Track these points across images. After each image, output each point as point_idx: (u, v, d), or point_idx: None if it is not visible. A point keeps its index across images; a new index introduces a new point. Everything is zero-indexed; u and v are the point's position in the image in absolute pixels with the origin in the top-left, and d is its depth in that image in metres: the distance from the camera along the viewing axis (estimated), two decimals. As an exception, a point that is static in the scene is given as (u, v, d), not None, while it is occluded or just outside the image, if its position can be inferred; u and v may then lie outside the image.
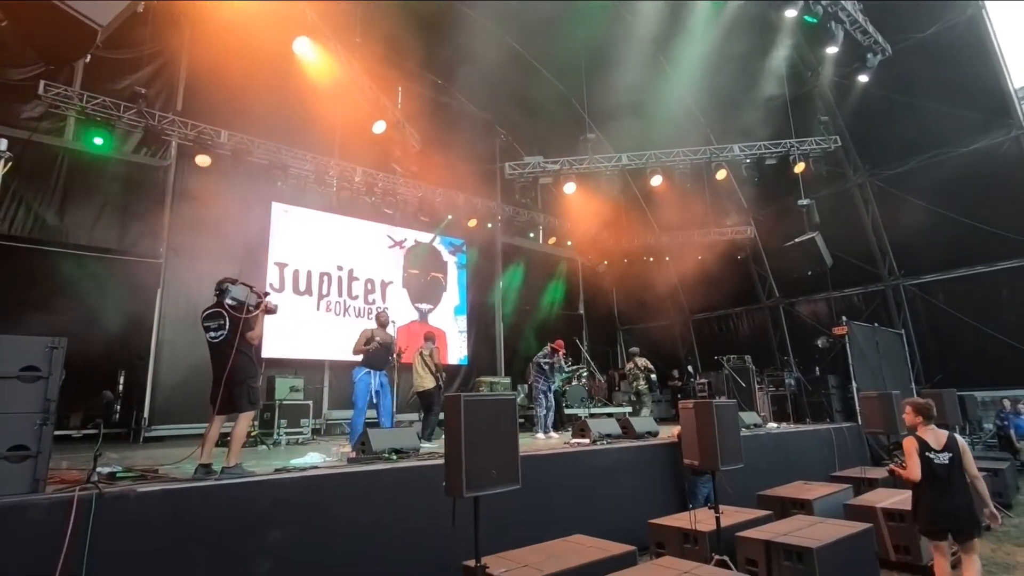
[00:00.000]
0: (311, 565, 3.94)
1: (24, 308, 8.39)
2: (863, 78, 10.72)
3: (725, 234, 14.34)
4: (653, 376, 11.01)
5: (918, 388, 11.43)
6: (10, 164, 3.44)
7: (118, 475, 3.95)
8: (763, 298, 14.95)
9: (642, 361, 11.00)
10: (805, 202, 11.47)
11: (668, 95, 12.72)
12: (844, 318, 10.86)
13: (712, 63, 11.57)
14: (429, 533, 4.31)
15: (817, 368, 11.85)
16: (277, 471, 4.35)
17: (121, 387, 9.83)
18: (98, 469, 3.81)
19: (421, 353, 7.75)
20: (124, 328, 9.15)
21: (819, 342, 12.16)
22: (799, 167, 11.31)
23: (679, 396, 14.08)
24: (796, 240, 11.57)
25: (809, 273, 12.22)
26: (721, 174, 11.86)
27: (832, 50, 10.19)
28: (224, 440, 4.59)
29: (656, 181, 11.95)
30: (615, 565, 3.94)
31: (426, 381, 7.61)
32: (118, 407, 9.64)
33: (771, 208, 13.76)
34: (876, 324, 11.72)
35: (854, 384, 10.08)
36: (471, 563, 3.59)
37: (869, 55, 10.32)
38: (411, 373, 7.95)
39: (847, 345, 10.46)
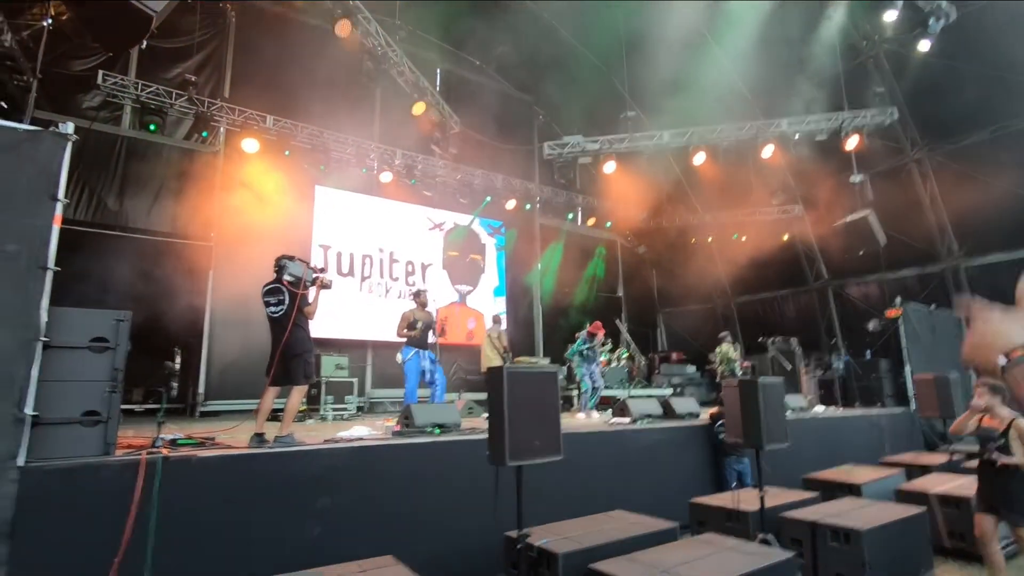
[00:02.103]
0: (359, 531, 4.09)
1: (86, 290, 8.87)
2: (924, 46, 10.11)
3: (771, 214, 13.89)
4: (735, 365, 10.24)
5: (977, 375, 10.87)
6: (73, 146, 3.61)
7: (179, 442, 4.18)
8: (811, 280, 14.45)
9: (723, 349, 10.44)
10: (858, 178, 10.97)
11: (712, 69, 12.30)
12: (899, 299, 10.39)
13: (759, 34, 11.11)
14: (472, 505, 4.40)
15: (868, 352, 11.42)
16: (326, 441, 4.51)
17: (178, 364, 10.35)
18: (161, 436, 4.06)
19: (489, 335, 7.89)
20: (179, 308, 9.56)
21: (870, 325, 11.70)
22: (852, 142, 10.80)
23: (715, 380, 13.87)
24: (848, 219, 11.10)
25: (861, 253, 11.72)
26: (768, 151, 11.45)
27: (891, 16, 9.65)
28: (275, 415, 4.79)
29: (699, 159, 11.62)
30: (656, 540, 3.94)
31: (494, 362, 7.75)
32: (175, 384, 10.17)
33: (821, 186, 13.20)
34: (933, 306, 11.18)
35: (908, 367, 9.67)
36: (513, 533, 3.66)
37: (931, 20, 9.70)
38: (452, 352, 8.11)
39: (900, 328, 10.03)
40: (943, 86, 11.01)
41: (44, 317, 3.40)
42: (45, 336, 3.39)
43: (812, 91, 11.40)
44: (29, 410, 3.26)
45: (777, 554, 3.64)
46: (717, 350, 10.53)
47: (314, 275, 4.72)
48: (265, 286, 4.67)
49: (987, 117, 10.72)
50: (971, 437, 4.33)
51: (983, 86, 10.44)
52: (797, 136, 11.22)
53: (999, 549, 4.05)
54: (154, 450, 3.75)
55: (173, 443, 4.08)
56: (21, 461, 3.20)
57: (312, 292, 4.72)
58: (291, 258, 4.70)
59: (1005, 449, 3.94)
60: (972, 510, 4.31)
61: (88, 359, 3.65)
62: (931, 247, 12.12)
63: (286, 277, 4.59)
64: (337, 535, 4.02)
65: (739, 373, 10.13)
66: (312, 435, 5.17)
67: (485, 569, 4.19)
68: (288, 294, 4.53)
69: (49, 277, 3.46)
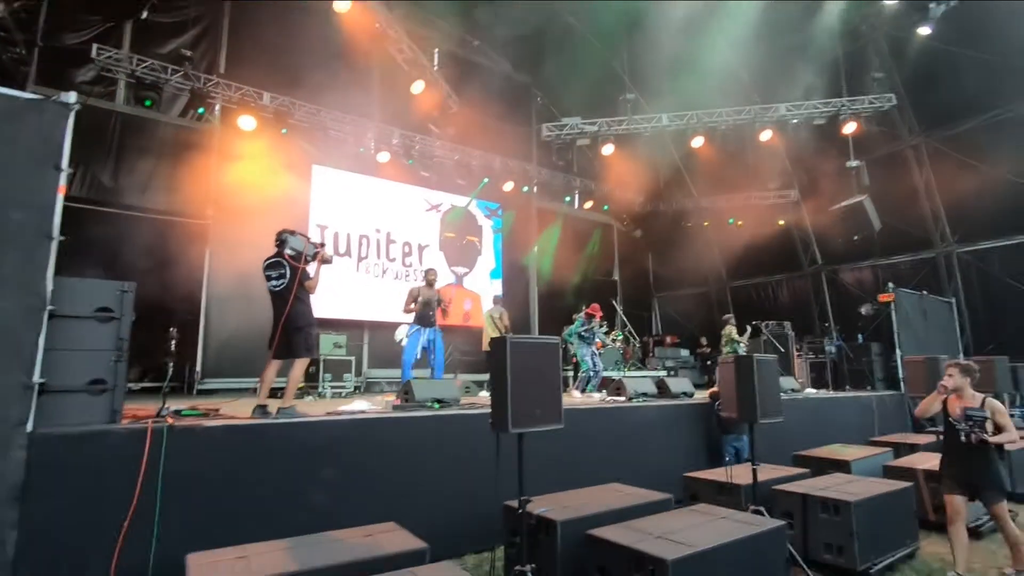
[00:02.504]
0: (361, 499, 4.17)
1: (80, 267, 8.84)
2: (924, 31, 10.11)
3: (767, 199, 13.96)
4: (739, 346, 10.17)
5: (966, 358, 11.06)
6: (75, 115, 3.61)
7: (183, 412, 4.24)
8: (805, 265, 14.57)
9: (727, 331, 10.43)
10: (855, 163, 11.03)
11: (712, 53, 12.23)
12: (890, 284, 10.51)
13: (759, 18, 11.06)
14: (471, 476, 4.49)
15: (860, 336, 11.57)
16: (329, 414, 4.58)
17: (174, 343, 10.34)
18: (166, 406, 4.11)
19: (491, 314, 7.94)
20: (176, 287, 9.55)
21: (862, 309, 11.84)
22: (850, 127, 10.84)
23: (707, 363, 14.03)
24: (843, 204, 11.19)
25: (856, 238, 11.83)
26: (766, 135, 11.47)
27: (891, 0, 9.61)
28: (275, 392, 4.83)
29: (697, 143, 11.65)
30: (651, 510, 4.04)
31: None
32: (171, 364, 10.17)
33: (817, 171, 13.27)
34: (924, 292, 11.32)
35: (898, 351, 9.82)
36: (513, 502, 3.75)
37: (932, 5, 9.70)
38: (449, 334, 8.16)
39: (892, 312, 10.17)
40: (942, 72, 11.00)
41: (50, 286, 3.42)
42: (51, 305, 3.42)
43: (811, 76, 11.40)
44: (37, 377, 3.30)
45: (768, 523, 3.76)
46: (722, 332, 10.59)
47: (314, 249, 4.75)
48: (266, 260, 4.70)
49: (985, 104, 10.75)
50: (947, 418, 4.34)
51: (982, 73, 10.47)
52: (795, 121, 11.25)
53: (965, 529, 4.15)
54: (159, 419, 3.80)
55: (178, 413, 4.14)
56: (30, 427, 3.25)
57: (313, 267, 4.75)
58: (292, 232, 4.72)
59: (981, 428, 4.02)
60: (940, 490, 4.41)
61: (93, 329, 3.69)
62: (925, 233, 12.24)
63: (287, 251, 4.62)
64: (340, 503, 4.10)
65: (739, 348, 10.20)
66: (313, 410, 5.24)
67: (484, 537, 4.29)
68: (289, 268, 4.56)
69: (54, 247, 3.48)
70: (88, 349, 3.64)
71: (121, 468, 3.44)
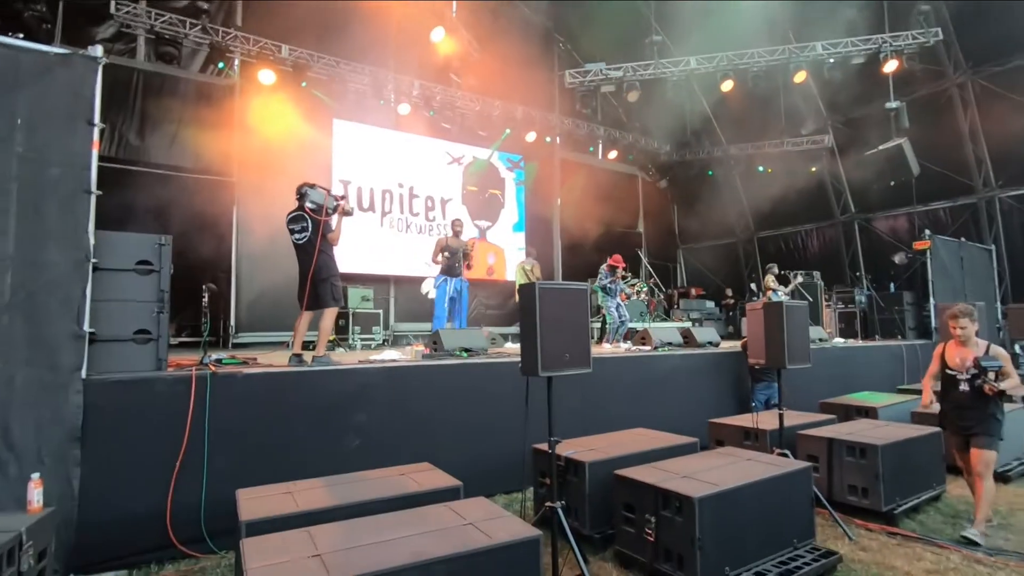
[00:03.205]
0: (394, 443, 4.36)
1: (113, 227, 9.11)
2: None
3: (799, 144, 13.42)
4: (780, 295, 9.77)
5: (1003, 306, 10.77)
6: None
7: (224, 361, 4.41)
8: (837, 213, 14.13)
9: (768, 280, 10.11)
10: (894, 104, 10.47)
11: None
12: (927, 231, 10.17)
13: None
14: (499, 420, 4.64)
15: (892, 285, 11.31)
16: (361, 362, 4.73)
17: (206, 299, 10.66)
18: (207, 355, 4.29)
19: (523, 266, 7.98)
20: (206, 244, 9.76)
21: (896, 258, 11.53)
22: (891, 65, 10.25)
23: (731, 315, 13.92)
24: (880, 147, 10.71)
25: (892, 184, 11.37)
26: (800, 76, 10.93)
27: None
28: (307, 345, 4.98)
29: (727, 86, 11.17)
30: (677, 453, 4.14)
31: None
32: (207, 317, 10.52)
33: (853, 114, 12.69)
34: (962, 239, 10.94)
35: (932, 300, 9.59)
36: (541, 445, 3.87)
37: (987, -73, 8.94)
38: (473, 287, 8.23)
39: (927, 261, 9.87)
40: (992, 4, 10.27)
41: (92, 240, 3.54)
42: (94, 258, 3.54)
43: (850, 10, 10.73)
44: (87, 327, 3.46)
45: (793, 464, 3.82)
46: (766, 280, 10.38)
47: (335, 202, 4.80)
48: (289, 214, 4.78)
49: (1038, 37, 10.05)
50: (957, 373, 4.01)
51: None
52: (832, 60, 10.66)
53: (982, 481, 3.88)
54: (202, 366, 3.98)
55: (219, 362, 4.32)
56: (84, 374, 3.44)
57: (335, 219, 4.80)
58: (312, 186, 4.77)
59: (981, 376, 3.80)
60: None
61: (135, 281, 3.83)
62: (967, 178, 11.70)
63: (308, 204, 4.67)
64: (374, 446, 4.29)
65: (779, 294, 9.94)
66: (345, 360, 5.39)
67: (513, 479, 4.46)
68: (311, 221, 4.63)
69: (93, 201, 3.58)
70: (132, 300, 3.79)
71: (169, 412, 3.64)
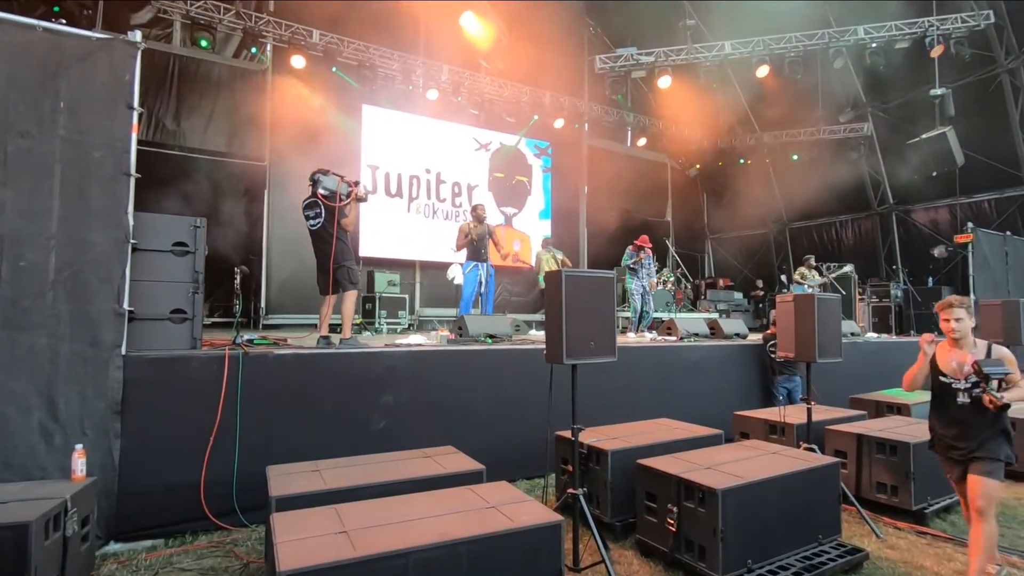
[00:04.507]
0: (419, 425, 4.41)
1: (150, 209, 9.34)
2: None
3: (837, 132, 13.02)
4: (805, 284, 9.48)
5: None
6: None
7: (255, 342, 4.51)
8: (874, 204, 13.70)
9: (803, 270, 9.80)
10: (940, 91, 10.06)
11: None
12: (970, 224, 9.79)
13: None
14: (522, 406, 4.66)
15: (930, 280, 10.95)
16: (387, 345, 4.79)
17: (238, 281, 10.92)
18: (240, 335, 4.40)
19: (554, 255, 7.99)
20: (239, 227, 9.98)
21: (935, 251, 11.13)
22: (937, 50, 9.82)
23: (759, 307, 13.66)
24: (923, 136, 10.32)
25: (935, 174, 10.96)
26: (839, 62, 10.57)
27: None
28: (333, 329, 5.06)
29: (762, 72, 10.86)
30: (701, 444, 4.10)
31: None
32: (239, 298, 10.78)
33: (894, 101, 12.24)
34: (1008, 233, 10.50)
35: (972, 295, 9.26)
36: (564, 432, 3.88)
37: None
38: (498, 274, 8.23)
39: (968, 255, 9.52)
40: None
41: (131, 221, 3.65)
42: (133, 239, 3.66)
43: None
44: (126, 305, 3.59)
45: (821, 459, 3.75)
46: (798, 272, 10.12)
47: (349, 188, 4.82)
48: (304, 201, 4.83)
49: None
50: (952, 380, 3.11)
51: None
52: (874, 45, 10.27)
53: (983, 524, 2.95)
54: (235, 346, 4.09)
55: (251, 342, 4.42)
56: (124, 351, 3.57)
57: (350, 205, 4.82)
58: (325, 172, 4.79)
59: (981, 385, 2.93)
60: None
61: (171, 262, 3.94)
62: (1016, 168, 11.19)
63: (320, 191, 4.70)
64: (399, 428, 4.36)
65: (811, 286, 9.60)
66: (371, 343, 5.47)
67: (535, 465, 4.49)
68: (324, 208, 4.67)
69: (132, 184, 3.68)
70: (168, 280, 3.91)
71: (204, 389, 3.76)
